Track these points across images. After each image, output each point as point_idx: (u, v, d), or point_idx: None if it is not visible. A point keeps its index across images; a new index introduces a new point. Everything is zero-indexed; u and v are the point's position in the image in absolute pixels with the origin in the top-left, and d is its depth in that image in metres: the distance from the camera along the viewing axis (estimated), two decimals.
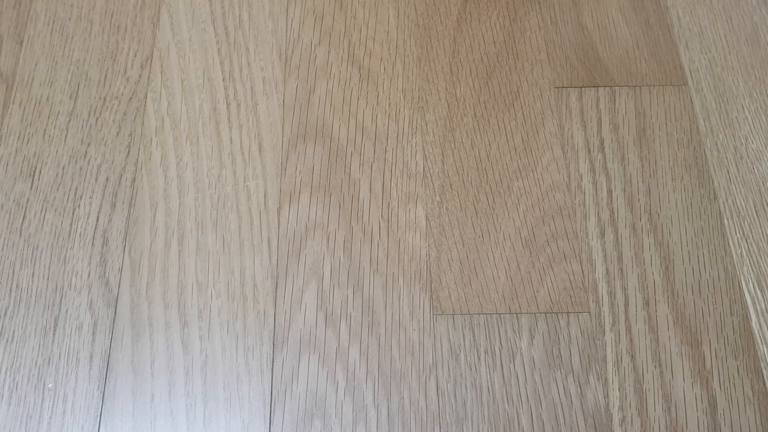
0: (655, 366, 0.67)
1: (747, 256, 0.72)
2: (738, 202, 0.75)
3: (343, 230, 0.73)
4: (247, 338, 0.68)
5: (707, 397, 0.66)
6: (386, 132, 0.79)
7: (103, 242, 0.72)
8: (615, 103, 0.81)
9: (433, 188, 0.76)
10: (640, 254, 0.72)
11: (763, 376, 0.66)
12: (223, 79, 0.82)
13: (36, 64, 0.83)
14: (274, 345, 0.68)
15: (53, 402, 0.65)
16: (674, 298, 0.70)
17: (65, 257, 0.72)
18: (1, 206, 0.74)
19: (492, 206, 0.75)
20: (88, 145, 0.78)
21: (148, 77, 0.82)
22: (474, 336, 0.68)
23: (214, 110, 0.80)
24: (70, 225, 0.73)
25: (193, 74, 0.82)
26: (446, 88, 0.82)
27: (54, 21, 0.86)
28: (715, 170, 0.77)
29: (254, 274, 0.71)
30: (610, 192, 0.76)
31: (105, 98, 0.81)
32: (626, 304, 0.70)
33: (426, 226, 0.74)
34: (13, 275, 0.71)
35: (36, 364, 0.67)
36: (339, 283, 0.71)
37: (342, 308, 0.69)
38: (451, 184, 0.76)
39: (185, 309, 0.69)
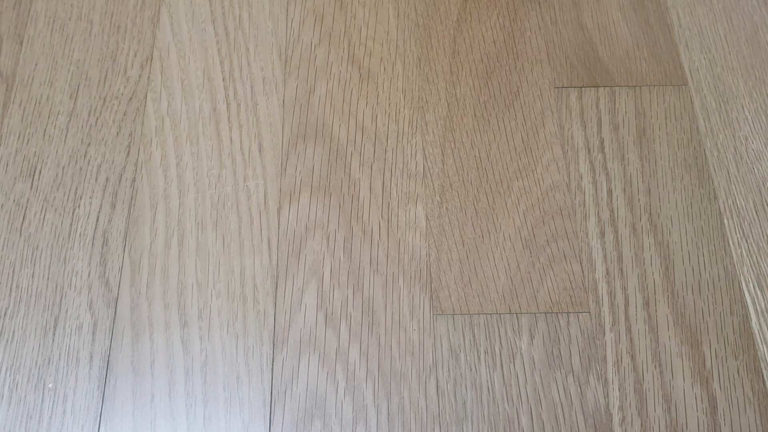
0: (655, 366, 0.67)
1: (747, 256, 0.72)
2: (738, 202, 0.75)
3: (343, 230, 0.73)
4: (247, 338, 0.68)
5: (707, 397, 0.66)
6: (386, 132, 0.79)
7: (103, 242, 0.72)
8: (615, 103, 0.81)
9: (433, 188, 0.76)
10: (640, 254, 0.72)
11: (763, 376, 0.66)
12: (223, 79, 0.82)
13: (36, 64, 0.83)
14: (274, 345, 0.68)
15: (53, 402, 0.65)
16: (674, 298, 0.70)
17: (65, 257, 0.72)
18: (1, 206, 0.74)
19: (492, 206, 0.75)
20: (88, 145, 0.78)
21: (148, 77, 0.82)
22: (474, 336, 0.68)
23: (214, 110, 0.80)
24: (70, 225, 0.73)
25: (193, 74, 0.82)
26: (446, 88, 0.82)
27: (54, 21, 0.86)
28: (715, 170, 0.77)
29: (254, 274, 0.71)
30: (610, 192, 0.76)
31: (105, 98, 0.81)
32: (626, 304, 0.70)
33: (426, 226, 0.74)
34: (13, 275, 0.71)
35: (36, 364, 0.67)
36: (339, 283, 0.71)
37: (342, 308, 0.69)
38: (451, 184, 0.76)
39: (185, 309, 0.69)
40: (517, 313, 0.69)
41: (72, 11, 0.87)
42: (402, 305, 0.70)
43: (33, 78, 0.82)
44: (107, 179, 0.76)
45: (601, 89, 0.82)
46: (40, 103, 0.80)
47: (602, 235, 0.73)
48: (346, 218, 0.74)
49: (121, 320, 0.69)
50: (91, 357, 0.67)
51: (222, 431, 0.64)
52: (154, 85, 0.82)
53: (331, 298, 0.70)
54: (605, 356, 0.67)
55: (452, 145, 0.78)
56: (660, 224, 0.74)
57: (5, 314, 0.69)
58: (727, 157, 0.78)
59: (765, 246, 0.73)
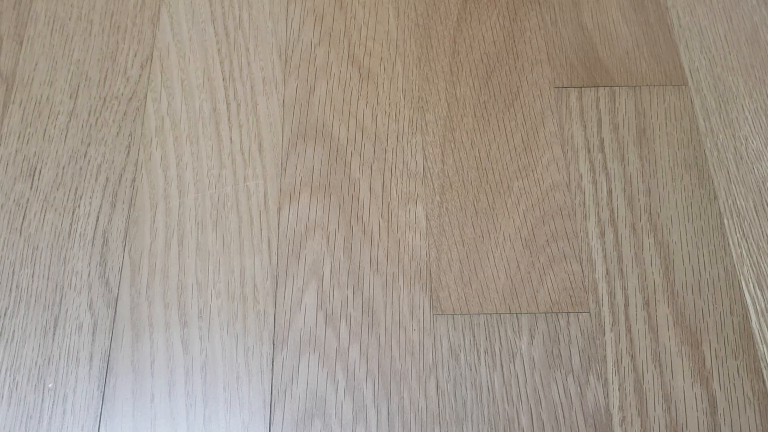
0: (655, 366, 0.67)
1: (747, 256, 0.72)
2: (738, 202, 0.75)
3: (343, 230, 0.73)
4: (247, 338, 0.68)
5: (707, 397, 0.66)
6: (386, 132, 0.79)
7: (103, 242, 0.72)
8: (615, 103, 0.81)
9: (433, 188, 0.76)
10: (640, 254, 0.72)
11: (763, 376, 0.66)
12: (223, 79, 0.82)
13: (36, 64, 0.83)
14: (274, 345, 0.68)
15: (53, 402, 0.65)
16: (674, 298, 0.70)
17: (65, 257, 0.72)
18: (1, 206, 0.74)
19: (492, 206, 0.75)
20: (88, 145, 0.78)
21: (148, 77, 0.82)
22: (474, 336, 0.68)
23: (214, 110, 0.80)
24: (70, 225, 0.73)
25: (193, 74, 0.82)
26: (446, 88, 0.82)
27: (54, 21, 0.86)
28: (715, 170, 0.77)
29: (254, 274, 0.71)
30: (610, 192, 0.76)
31: (105, 98, 0.81)
32: (626, 304, 0.70)
33: (426, 226, 0.74)
34: (13, 275, 0.71)
35: (36, 364, 0.67)
36: (339, 283, 0.71)
37: (342, 308, 0.69)
38: (451, 184, 0.76)
39: (185, 309, 0.69)
40: (517, 313, 0.69)
41: (72, 11, 0.87)
42: (402, 305, 0.70)
43: (33, 78, 0.82)
44: (107, 179, 0.76)
45: (601, 89, 0.82)
46: (40, 103, 0.80)
47: (602, 235, 0.73)
48: (346, 218, 0.74)
49: (121, 320, 0.69)
50: (91, 357, 0.67)
51: (222, 431, 0.64)
52: (154, 85, 0.82)
53: (331, 298, 0.70)
54: (605, 356, 0.67)
55: (452, 145, 0.78)
56: (660, 224, 0.74)
57: (5, 314, 0.69)
58: (727, 157, 0.78)
59: (765, 246, 0.73)
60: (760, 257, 0.72)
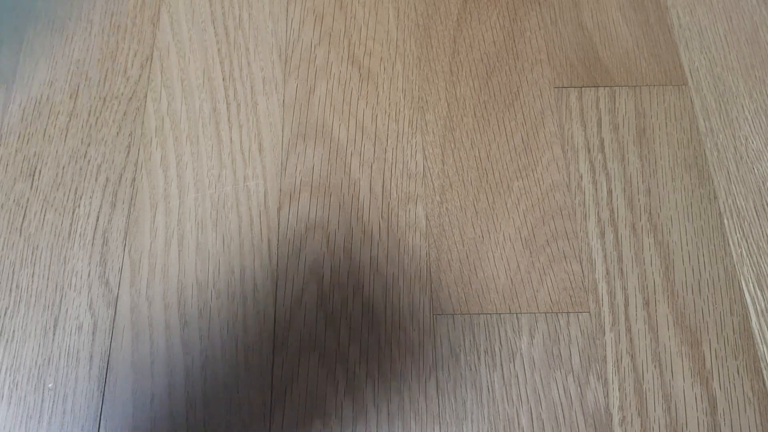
0: (655, 366, 0.67)
1: (747, 256, 0.72)
2: (738, 202, 0.75)
3: (343, 230, 0.73)
4: (247, 338, 0.68)
5: (707, 397, 0.66)
6: (386, 132, 0.79)
7: (103, 242, 0.72)
8: (615, 103, 0.81)
9: (433, 188, 0.76)
10: (640, 254, 0.72)
11: (763, 376, 0.66)
12: (223, 79, 0.82)
13: (36, 64, 0.83)
14: (274, 345, 0.68)
15: (53, 402, 0.65)
16: (674, 298, 0.70)
17: (65, 257, 0.72)
18: (1, 206, 0.74)
19: (492, 206, 0.75)
20: (88, 145, 0.78)
21: (148, 77, 0.82)
22: (474, 336, 0.68)
23: (214, 110, 0.80)
24: (70, 225, 0.73)
25: (193, 74, 0.82)
26: (446, 88, 0.82)
27: (54, 21, 0.86)
28: (715, 170, 0.77)
29: (254, 274, 0.71)
30: (610, 192, 0.76)
31: (105, 98, 0.81)
32: (626, 304, 0.70)
33: (426, 226, 0.74)
34: (13, 275, 0.71)
35: (36, 364, 0.67)
36: (339, 283, 0.71)
37: (342, 308, 0.69)
38: (451, 184, 0.76)
39: (185, 309, 0.69)
40: (517, 313, 0.69)
41: (72, 11, 0.87)
42: (402, 305, 0.70)
43: (33, 78, 0.82)
44: (107, 179, 0.76)
45: (601, 89, 0.82)
46: (40, 103, 0.80)
47: (602, 235, 0.73)
48: (346, 218, 0.74)
49: (121, 320, 0.69)
50: (91, 357, 0.67)
51: (222, 431, 0.64)
52: (154, 85, 0.82)
53: (331, 298, 0.70)
54: (605, 356, 0.67)
55: (452, 145, 0.78)
56: (660, 224, 0.74)
57: (5, 314, 0.69)
58: (727, 157, 0.78)
59: (765, 246, 0.73)
60: (760, 257, 0.72)
